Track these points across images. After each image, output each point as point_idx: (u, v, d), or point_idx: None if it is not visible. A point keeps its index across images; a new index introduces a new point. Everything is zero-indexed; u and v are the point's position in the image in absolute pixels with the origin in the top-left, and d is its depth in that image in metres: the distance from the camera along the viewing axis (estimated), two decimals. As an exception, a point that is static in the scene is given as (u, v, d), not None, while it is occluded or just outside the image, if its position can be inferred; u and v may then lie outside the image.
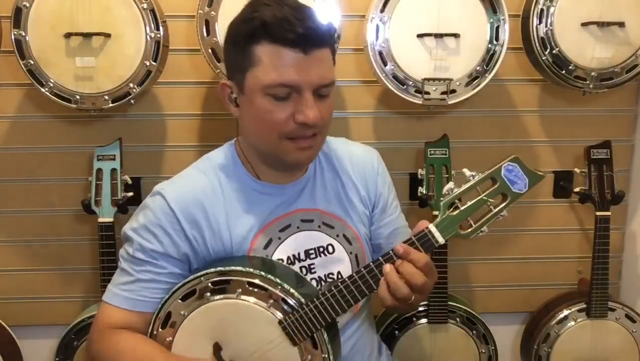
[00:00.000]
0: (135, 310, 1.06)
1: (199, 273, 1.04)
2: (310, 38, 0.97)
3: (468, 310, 1.69)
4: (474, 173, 0.96)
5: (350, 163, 1.20)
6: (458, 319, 1.68)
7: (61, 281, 1.81)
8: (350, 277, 1.00)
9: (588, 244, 1.86)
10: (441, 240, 0.97)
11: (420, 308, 1.68)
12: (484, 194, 0.96)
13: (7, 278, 1.80)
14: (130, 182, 1.61)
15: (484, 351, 1.71)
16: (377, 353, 1.31)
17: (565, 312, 1.70)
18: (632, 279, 1.90)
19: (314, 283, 1.13)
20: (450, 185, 0.97)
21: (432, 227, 0.97)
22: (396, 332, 1.68)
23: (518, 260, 1.90)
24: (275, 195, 1.13)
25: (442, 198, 0.97)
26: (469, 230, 0.98)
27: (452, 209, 0.97)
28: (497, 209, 0.97)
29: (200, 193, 1.09)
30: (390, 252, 0.98)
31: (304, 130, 1.01)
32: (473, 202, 0.97)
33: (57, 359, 1.63)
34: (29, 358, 1.80)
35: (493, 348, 1.71)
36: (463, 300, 1.77)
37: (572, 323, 1.70)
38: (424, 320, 1.68)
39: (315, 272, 1.13)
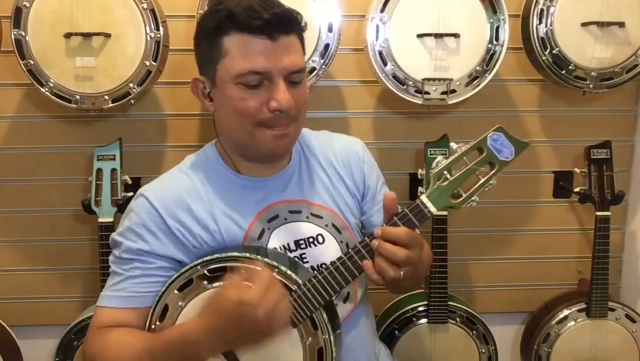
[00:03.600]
0: (128, 307, 1.05)
1: (195, 262, 1.04)
2: (277, 24, 0.99)
3: (468, 310, 1.69)
4: (460, 145, 0.98)
5: (334, 154, 1.20)
6: (458, 319, 1.68)
7: (61, 281, 1.81)
8: (346, 253, 1.00)
9: (588, 244, 1.86)
10: (434, 210, 0.98)
11: (420, 308, 1.68)
12: (472, 164, 0.98)
13: (7, 278, 1.80)
14: (130, 182, 1.61)
15: (484, 351, 1.71)
16: (377, 350, 1.31)
17: (565, 312, 1.70)
18: (632, 279, 1.90)
19: None
20: (439, 157, 0.99)
21: (424, 198, 0.98)
22: (396, 332, 1.68)
23: (518, 260, 1.90)
24: (259, 189, 1.12)
25: (431, 171, 0.98)
26: (460, 199, 0.99)
27: (441, 180, 0.98)
28: (485, 178, 0.98)
29: (183, 192, 1.09)
30: (373, 235, 0.98)
31: (278, 118, 1.02)
32: (462, 171, 0.98)
33: (57, 359, 1.63)
34: (29, 358, 1.80)
35: (493, 348, 1.71)
36: (463, 300, 1.77)
37: (572, 323, 1.70)
38: (424, 320, 1.68)
39: (307, 262, 1.13)
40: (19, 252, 1.80)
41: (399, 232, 0.96)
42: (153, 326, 1.05)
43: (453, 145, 0.98)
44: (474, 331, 1.69)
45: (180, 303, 1.03)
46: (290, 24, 1.02)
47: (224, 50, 1.02)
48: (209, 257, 1.03)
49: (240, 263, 1.02)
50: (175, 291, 1.04)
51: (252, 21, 0.98)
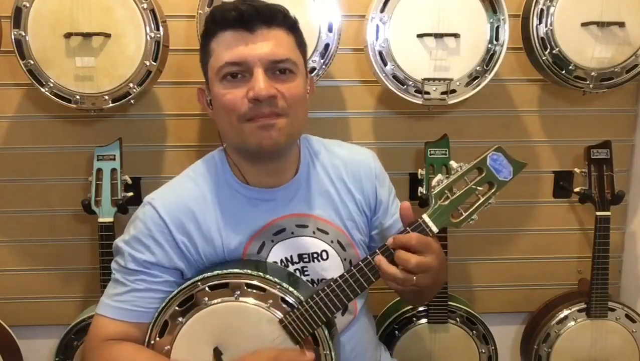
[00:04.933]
0: (131, 321, 1.05)
1: (196, 278, 1.04)
2: (254, 16, 1.00)
3: (468, 310, 1.69)
4: (461, 165, 1.00)
5: (345, 167, 1.18)
6: (458, 319, 1.68)
7: (61, 281, 1.81)
8: (348, 271, 1.00)
9: (588, 244, 1.86)
10: (435, 229, 0.99)
11: (420, 308, 1.68)
12: (472, 183, 1.00)
13: (7, 278, 1.80)
14: (130, 182, 1.61)
15: (484, 351, 1.71)
16: (378, 356, 1.31)
17: (565, 312, 1.70)
18: (632, 279, 1.90)
19: None
20: (440, 176, 1.01)
21: (425, 217, 0.99)
22: (396, 332, 1.68)
23: (518, 260, 1.90)
24: (266, 201, 1.11)
25: (432, 190, 1.00)
26: (460, 218, 1.01)
27: (442, 199, 1.00)
28: (485, 197, 1.01)
29: (191, 201, 1.09)
30: (385, 244, 0.99)
31: (258, 107, 1.00)
32: (462, 191, 1.00)
33: (57, 359, 1.63)
34: (29, 358, 1.80)
35: (493, 348, 1.71)
36: (463, 300, 1.77)
37: (572, 323, 1.70)
38: (424, 320, 1.68)
39: (308, 275, 1.13)
40: (19, 252, 1.80)
41: (409, 237, 0.96)
42: (152, 342, 1.04)
43: (453, 163, 1.00)
44: (474, 331, 1.69)
45: (180, 320, 1.03)
46: (270, 17, 1.02)
47: (210, 52, 1.04)
48: (209, 273, 1.03)
49: (241, 280, 1.02)
50: (176, 308, 1.04)
51: (228, 14, 1.00)
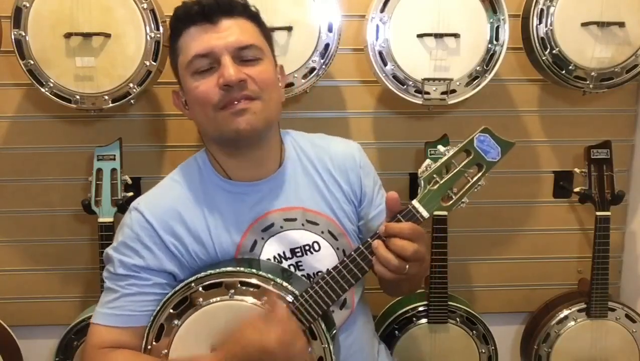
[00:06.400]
0: (126, 326, 1.04)
1: (189, 280, 1.03)
2: (215, 8, 1.03)
3: (468, 310, 1.69)
4: (448, 148, 0.99)
5: (330, 158, 1.19)
6: (458, 319, 1.68)
7: (61, 281, 1.81)
8: (341, 262, 1.00)
9: (588, 244, 1.86)
10: (426, 215, 0.99)
11: (420, 308, 1.68)
12: (460, 166, 0.99)
13: (7, 278, 1.80)
14: (130, 182, 1.61)
15: (484, 351, 1.71)
16: (376, 352, 1.31)
17: (565, 312, 1.70)
18: (632, 279, 1.90)
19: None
20: (427, 161, 1.00)
21: (415, 203, 0.99)
22: (396, 332, 1.68)
23: (518, 260, 1.90)
24: (251, 194, 1.11)
25: (421, 175, 0.99)
26: (450, 202, 1.00)
27: (432, 184, 0.99)
28: (474, 179, 1.00)
29: (177, 202, 1.09)
30: (377, 232, 0.99)
31: (230, 93, 1.01)
32: (451, 174, 0.99)
33: (57, 359, 1.63)
34: (29, 358, 1.80)
35: (493, 348, 1.71)
36: (463, 300, 1.77)
37: (572, 323, 1.70)
38: (424, 320, 1.68)
39: (303, 270, 1.13)
40: (19, 251, 1.80)
41: (402, 225, 0.96)
42: (149, 347, 1.04)
43: (441, 147, 1.00)
44: (474, 331, 1.69)
45: (176, 322, 1.03)
46: (230, 8, 1.04)
47: (178, 51, 1.06)
48: (202, 274, 1.03)
49: (235, 278, 1.02)
50: (171, 310, 1.03)
51: (190, 10, 1.03)
